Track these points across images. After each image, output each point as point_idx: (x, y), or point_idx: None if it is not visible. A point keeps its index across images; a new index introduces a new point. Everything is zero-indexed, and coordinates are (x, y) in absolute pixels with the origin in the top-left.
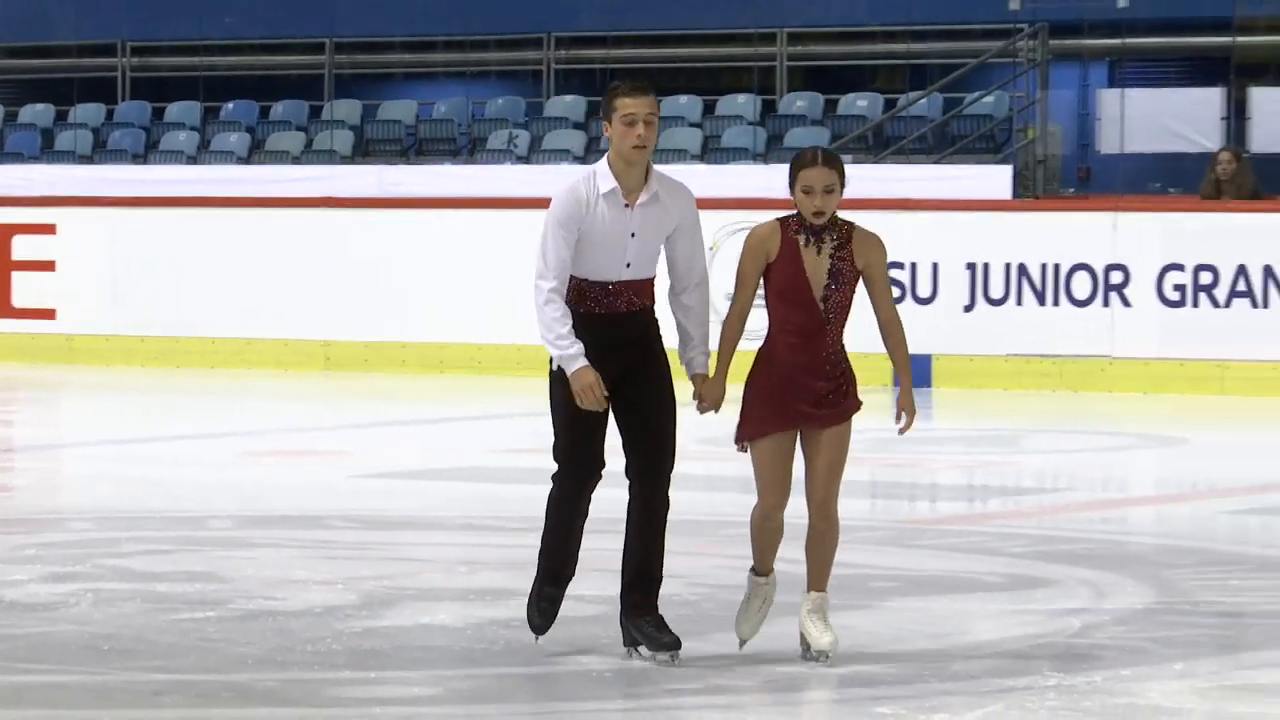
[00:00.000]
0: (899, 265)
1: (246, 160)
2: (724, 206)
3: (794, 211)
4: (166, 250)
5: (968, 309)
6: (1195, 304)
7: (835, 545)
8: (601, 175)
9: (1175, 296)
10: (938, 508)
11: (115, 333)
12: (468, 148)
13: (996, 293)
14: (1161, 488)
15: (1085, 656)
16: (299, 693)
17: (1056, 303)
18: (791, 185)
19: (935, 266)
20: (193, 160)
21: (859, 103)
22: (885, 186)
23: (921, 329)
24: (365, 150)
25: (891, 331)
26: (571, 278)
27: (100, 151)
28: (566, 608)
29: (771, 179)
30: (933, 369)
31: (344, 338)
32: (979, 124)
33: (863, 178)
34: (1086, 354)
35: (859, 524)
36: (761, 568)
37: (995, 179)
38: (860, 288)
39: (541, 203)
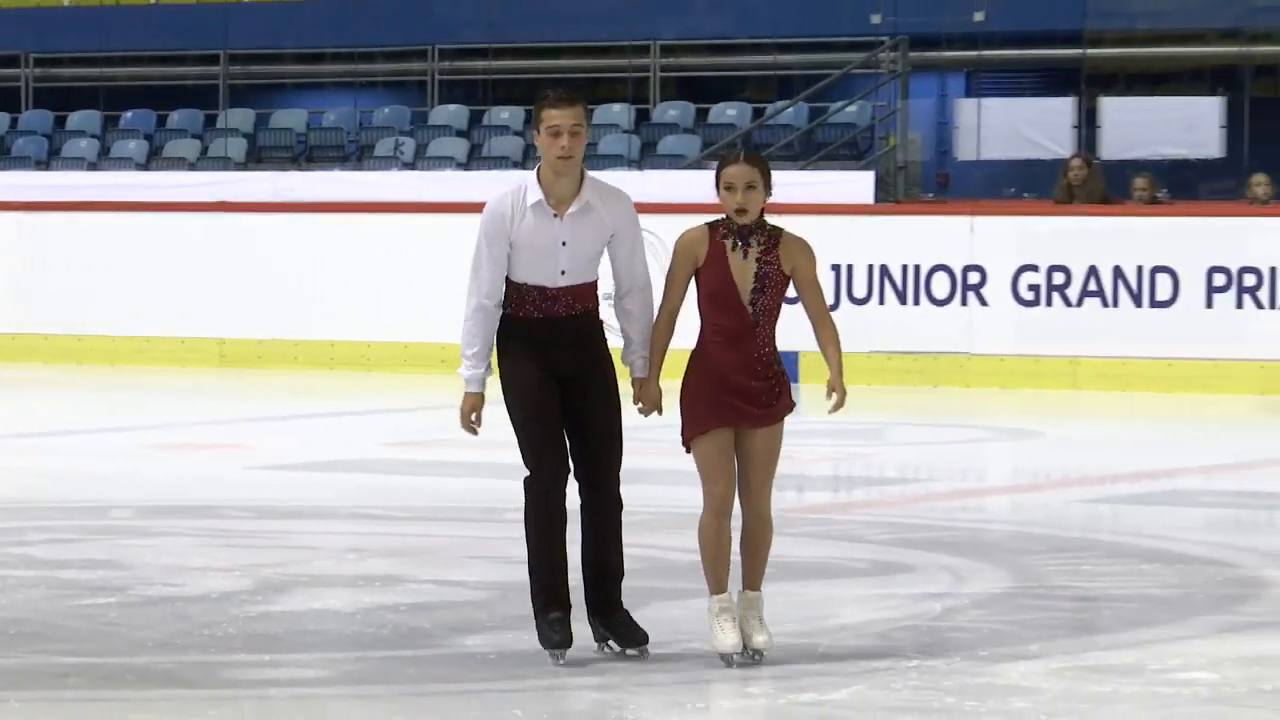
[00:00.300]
0: None
1: (145, 166)
2: None
3: (723, 216)
4: (70, 252)
5: (833, 308)
6: (1049, 303)
7: (769, 544)
8: (531, 186)
9: (1030, 296)
10: (806, 497)
11: (20, 331)
12: (356, 154)
13: (860, 293)
14: (1017, 478)
15: (945, 638)
16: (197, 674)
17: (917, 302)
18: (716, 186)
19: (836, 270)
20: (93, 167)
21: (729, 112)
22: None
23: (790, 328)
24: (258, 157)
25: (823, 329)
26: (510, 282)
27: (4, 158)
28: (451, 592)
29: (645, 185)
30: (799, 365)
31: (238, 335)
32: (843, 132)
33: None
34: (946, 351)
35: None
36: (717, 586)
37: (858, 184)
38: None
39: (427, 206)
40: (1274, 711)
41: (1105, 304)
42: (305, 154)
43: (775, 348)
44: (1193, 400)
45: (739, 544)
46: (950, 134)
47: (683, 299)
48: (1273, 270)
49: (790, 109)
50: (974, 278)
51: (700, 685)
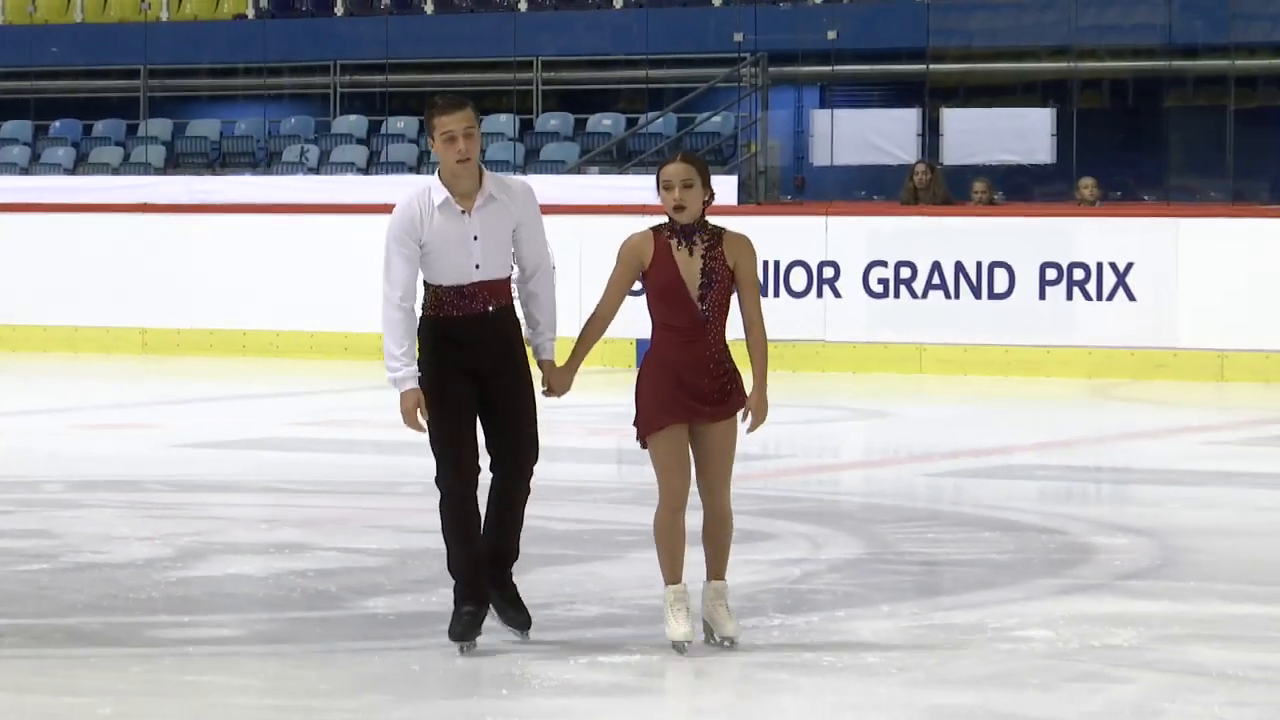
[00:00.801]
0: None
1: (72, 171)
2: None
3: (664, 219)
4: (3, 249)
5: None
6: (896, 295)
7: (730, 535)
8: (435, 188)
9: (879, 289)
10: None
11: None
12: (265, 160)
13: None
14: (868, 454)
15: (805, 599)
16: (122, 634)
17: (777, 294)
18: (656, 187)
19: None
20: (25, 171)
21: (604, 122)
22: (629, 194)
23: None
24: (176, 163)
25: (753, 333)
26: (428, 285)
27: None
28: (354, 559)
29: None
30: None
31: (159, 325)
32: (709, 140)
33: (610, 187)
34: (803, 338)
35: (608, 486)
36: (672, 577)
37: (723, 188)
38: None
39: (329, 208)
40: (1103, 664)
41: (948, 296)
42: (219, 160)
43: (726, 345)
44: (1027, 383)
45: (702, 537)
46: (806, 142)
47: (620, 302)
48: (1099, 265)
49: (660, 119)
50: (828, 272)
51: (574, 648)
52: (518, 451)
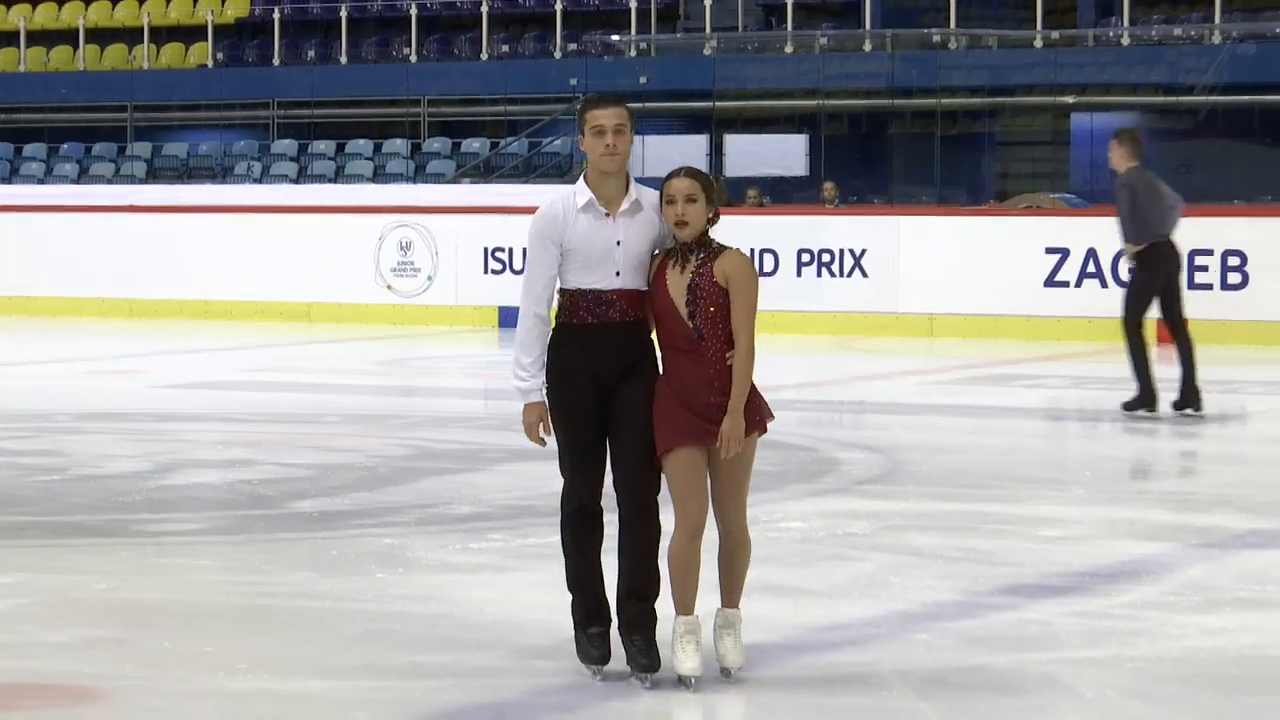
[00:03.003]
0: (502, 250)
1: (76, 182)
2: (386, 211)
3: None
4: (24, 240)
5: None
6: None
7: (747, 560)
8: (579, 190)
9: None
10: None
11: None
12: (221, 174)
13: None
14: None
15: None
16: (114, 528)
17: None
18: (660, 204)
19: (525, 252)
20: (40, 182)
21: (474, 145)
22: (493, 199)
23: (518, 292)
24: (155, 176)
25: (736, 351)
26: (563, 290)
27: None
28: (288, 471)
29: (418, 195)
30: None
31: (143, 297)
32: (552, 159)
33: (478, 194)
34: None
35: (479, 416)
36: (684, 608)
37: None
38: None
39: (269, 208)
40: (844, 548)
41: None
42: (187, 173)
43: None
44: (788, 339)
45: (716, 562)
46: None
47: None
48: (841, 251)
49: (516, 143)
50: None
51: (460, 533)
52: (638, 489)
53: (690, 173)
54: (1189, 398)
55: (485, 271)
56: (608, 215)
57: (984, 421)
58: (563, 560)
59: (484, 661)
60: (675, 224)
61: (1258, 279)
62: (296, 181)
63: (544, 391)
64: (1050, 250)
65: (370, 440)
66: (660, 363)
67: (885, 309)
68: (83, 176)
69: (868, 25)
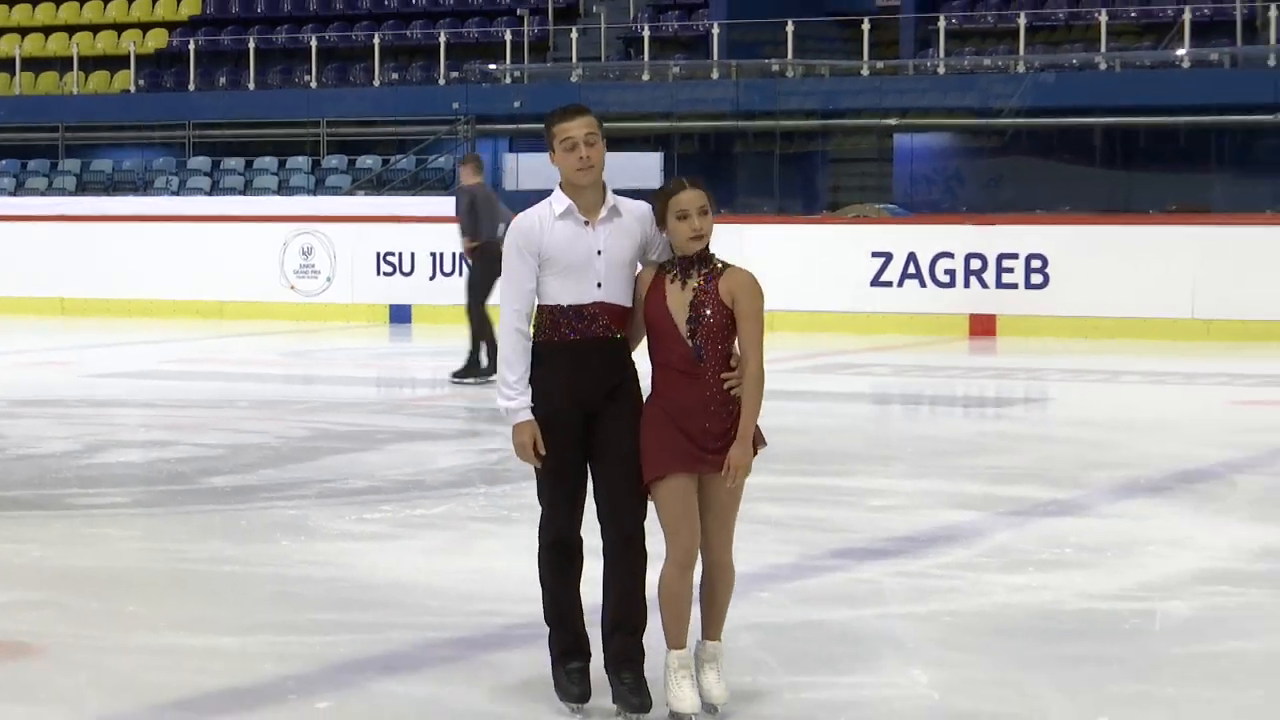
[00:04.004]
0: (392, 254)
1: (14, 194)
2: (289, 220)
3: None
4: None
5: (433, 279)
6: None
7: (730, 591)
8: (556, 198)
9: None
10: (418, 391)
11: None
12: (143, 187)
13: (448, 268)
14: None
15: (499, 474)
16: (49, 501)
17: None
18: (663, 219)
19: (432, 255)
20: None
21: (367, 161)
22: (385, 209)
23: (406, 292)
24: (84, 188)
25: (745, 375)
26: (543, 307)
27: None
28: (202, 450)
29: (318, 206)
30: (412, 315)
31: (73, 295)
32: (438, 173)
33: (371, 204)
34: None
35: (371, 401)
36: (677, 641)
37: (447, 204)
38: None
39: (185, 218)
40: None
41: None
42: (112, 187)
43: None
44: None
45: (698, 592)
46: (501, 174)
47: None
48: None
49: (405, 159)
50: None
51: (355, 505)
52: (624, 518)
53: (695, 184)
54: (471, 370)
55: (378, 274)
56: (587, 224)
57: (820, 405)
58: (540, 587)
59: (376, 618)
60: (691, 239)
61: (1057, 279)
62: (210, 194)
63: (532, 409)
64: (875, 254)
65: (276, 423)
66: (653, 382)
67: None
68: (19, 190)
69: (715, 56)
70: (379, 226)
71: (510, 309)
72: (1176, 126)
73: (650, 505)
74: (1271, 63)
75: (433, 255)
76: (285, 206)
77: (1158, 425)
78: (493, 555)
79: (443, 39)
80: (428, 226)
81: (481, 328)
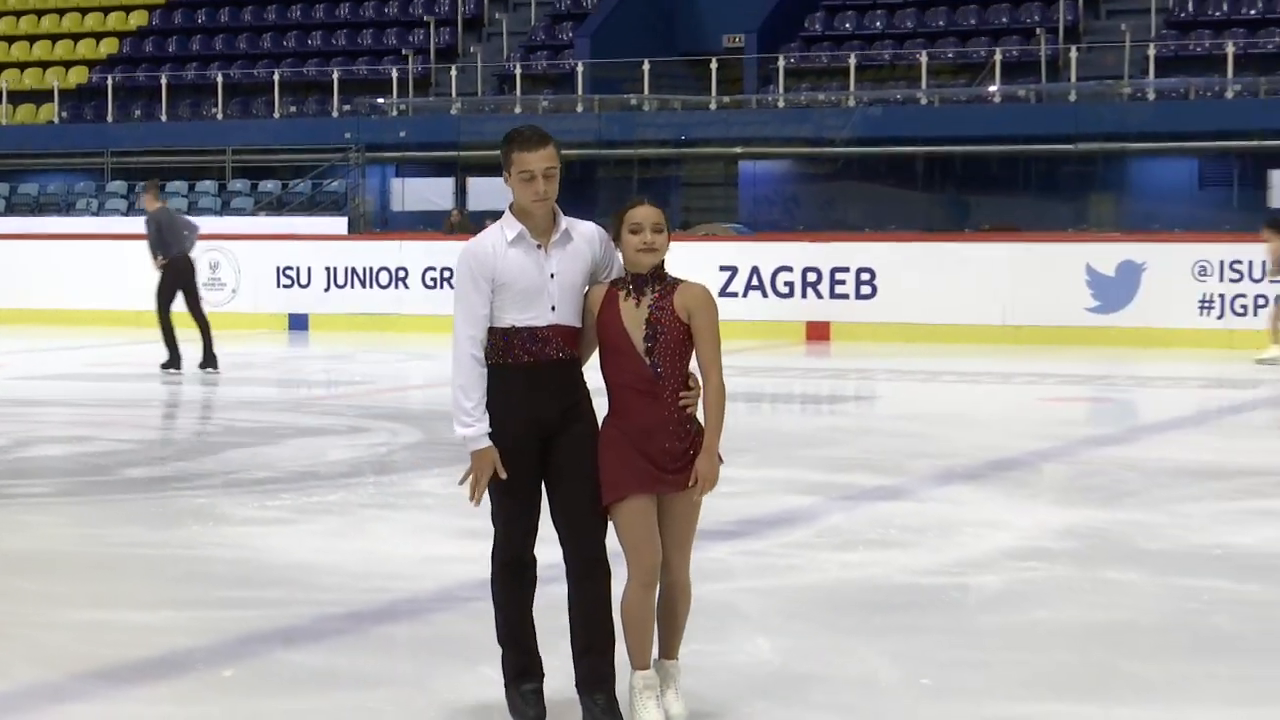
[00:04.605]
0: (291, 269)
1: None
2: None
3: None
4: None
5: (327, 290)
6: (440, 287)
7: (688, 611)
8: (508, 223)
9: (431, 284)
10: (314, 391)
11: None
12: (66, 208)
13: (340, 282)
14: (430, 379)
15: (388, 462)
16: None
17: (368, 287)
18: (617, 235)
19: (327, 269)
20: None
21: (268, 185)
22: (284, 229)
23: (303, 302)
24: (12, 210)
25: (707, 384)
26: (496, 330)
27: None
28: (121, 445)
29: (224, 225)
30: (309, 323)
31: (3, 307)
32: (331, 196)
33: (273, 224)
34: (385, 312)
35: (272, 400)
36: (642, 661)
37: (339, 224)
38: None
39: (105, 236)
40: None
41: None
42: (38, 208)
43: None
44: None
45: (657, 611)
46: (389, 197)
47: (594, 349)
48: None
49: (302, 183)
50: (401, 274)
51: (258, 494)
52: (586, 539)
53: (653, 202)
54: (208, 359)
55: (277, 286)
56: (539, 247)
57: None
58: (493, 609)
59: (277, 595)
60: (639, 251)
61: (884, 290)
62: (126, 215)
63: (490, 435)
64: (723, 268)
65: (186, 420)
66: (610, 402)
67: None
68: None
69: (580, 91)
70: (279, 244)
71: (465, 335)
72: (988, 155)
73: (610, 526)
74: (1072, 98)
75: (327, 269)
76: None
77: (973, 419)
78: (381, 538)
79: (336, 76)
80: (322, 244)
81: (169, 328)
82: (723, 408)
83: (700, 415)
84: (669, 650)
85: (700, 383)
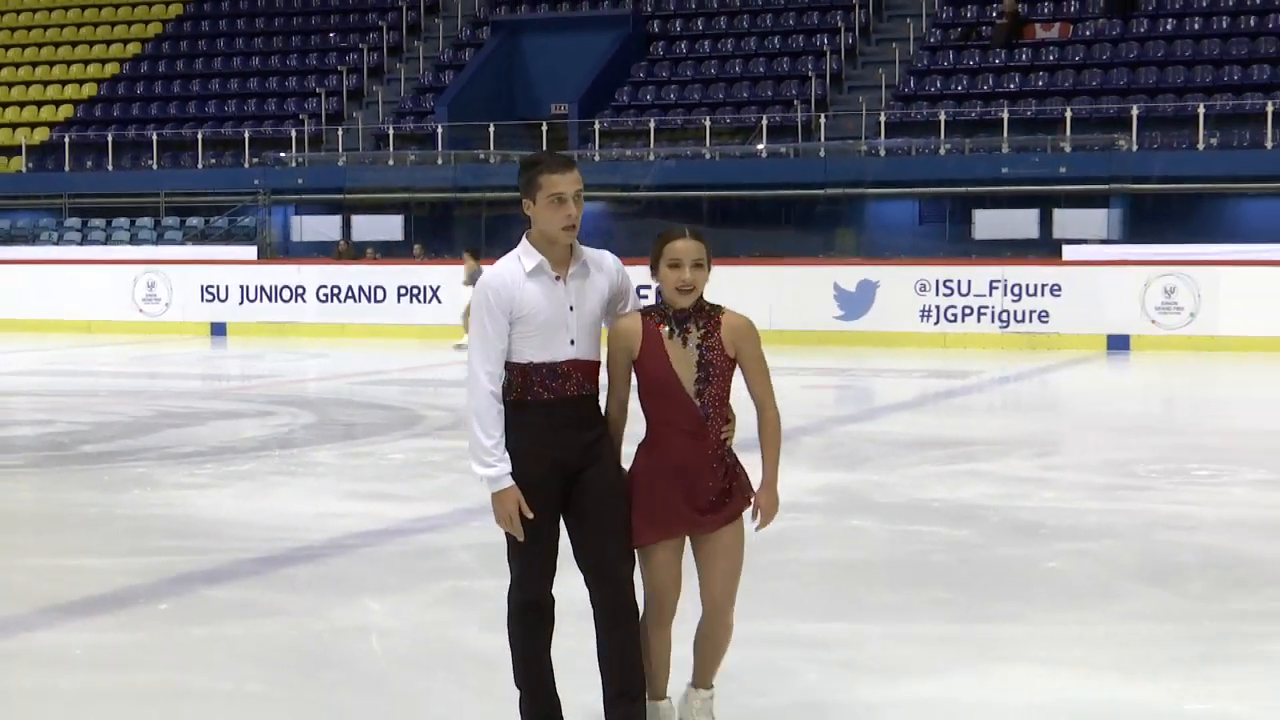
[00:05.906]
0: (212, 287)
1: None
2: (138, 262)
3: (654, 303)
4: None
5: (240, 304)
6: (341, 301)
7: (728, 643)
8: (525, 254)
9: (325, 298)
10: (265, 381)
11: None
12: (33, 239)
13: (253, 297)
14: (328, 372)
15: (291, 443)
16: None
17: (274, 301)
18: (655, 264)
19: (241, 287)
20: None
21: (194, 221)
22: (207, 256)
23: (223, 313)
24: None
25: (764, 419)
26: (514, 365)
27: None
28: (85, 427)
29: (159, 252)
30: (227, 330)
31: None
32: (244, 229)
33: (198, 253)
34: (285, 320)
35: (219, 391)
36: (656, 693)
37: (251, 251)
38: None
39: (64, 261)
40: (429, 469)
41: (355, 301)
42: (8, 239)
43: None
44: (407, 343)
45: (695, 639)
46: (290, 230)
47: (628, 388)
48: (424, 285)
49: (221, 219)
50: (300, 291)
51: (189, 464)
52: (616, 581)
53: (695, 234)
54: None
55: (202, 300)
56: (558, 279)
57: None
58: (510, 651)
59: (202, 544)
60: (677, 289)
61: None
62: (80, 244)
63: (513, 475)
64: None
65: (129, 407)
66: (650, 437)
67: (454, 321)
68: None
69: (440, 147)
70: (203, 267)
71: (483, 371)
72: (757, 198)
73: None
74: (822, 154)
75: (241, 287)
76: (135, 253)
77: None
78: (284, 499)
79: (248, 135)
80: (237, 267)
81: None
82: (779, 438)
83: (734, 445)
84: (704, 679)
85: (734, 414)
